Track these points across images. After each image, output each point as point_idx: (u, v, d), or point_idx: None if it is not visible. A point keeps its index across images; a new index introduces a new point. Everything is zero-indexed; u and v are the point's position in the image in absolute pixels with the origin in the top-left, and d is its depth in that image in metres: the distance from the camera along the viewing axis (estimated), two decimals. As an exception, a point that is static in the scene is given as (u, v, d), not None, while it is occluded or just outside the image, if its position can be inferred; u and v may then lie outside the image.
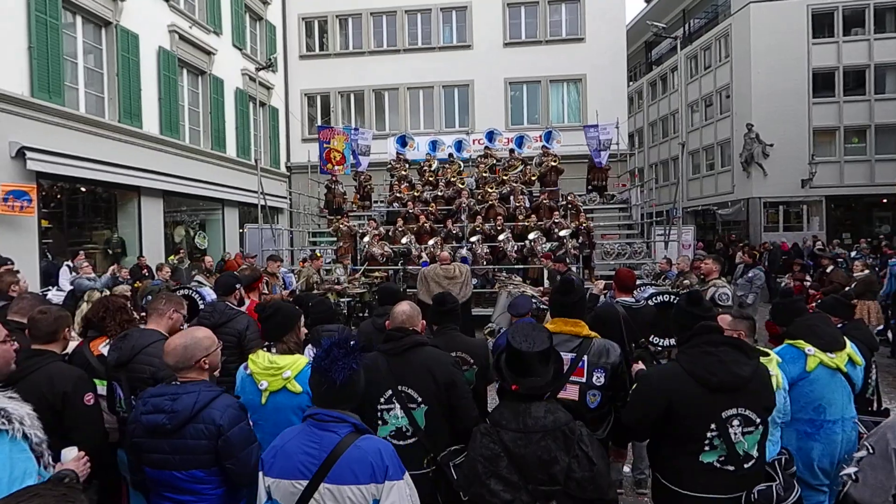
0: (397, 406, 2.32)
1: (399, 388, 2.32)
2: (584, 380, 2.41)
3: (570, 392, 2.40)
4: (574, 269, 9.07)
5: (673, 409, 2.10)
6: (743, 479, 2.05)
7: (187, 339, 2.11)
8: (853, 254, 14.23)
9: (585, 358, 2.43)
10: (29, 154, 9.06)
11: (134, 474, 2.04)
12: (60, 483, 1.12)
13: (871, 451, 1.84)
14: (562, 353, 2.43)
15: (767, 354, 2.63)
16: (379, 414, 2.33)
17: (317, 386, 1.77)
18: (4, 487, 1.53)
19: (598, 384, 2.40)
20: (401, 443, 2.29)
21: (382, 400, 2.32)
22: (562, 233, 10.21)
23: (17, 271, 5.25)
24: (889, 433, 1.81)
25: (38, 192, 9.37)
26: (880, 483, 1.75)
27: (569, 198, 11.92)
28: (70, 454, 1.93)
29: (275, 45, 18.51)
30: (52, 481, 1.15)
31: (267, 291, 6.74)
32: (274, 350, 2.46)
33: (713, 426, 2.04)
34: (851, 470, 1.90)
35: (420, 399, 2.32)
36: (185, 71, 14.02)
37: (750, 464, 2.06)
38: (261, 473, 1.74)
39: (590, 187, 14.15)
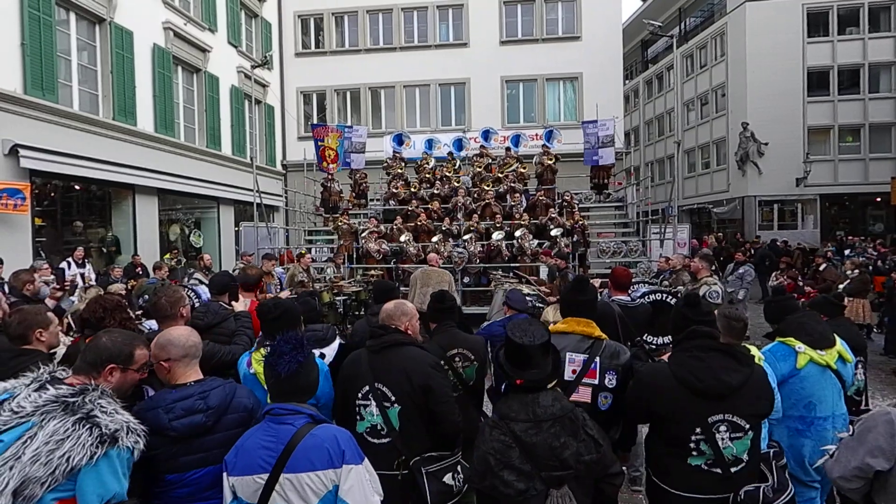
0: (373, 403, 2.32)
1: (376, 384, 2.33)
2: (596, 381, 2.36)
3: (583, 394, 2.35)
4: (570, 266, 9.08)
5: (656, 409, 2.11)
6: (732, 481, 2.05)
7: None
8: (847, 252, 14.32)
9: (598, 359, 2.38)
10: (22, 152, 8.99)
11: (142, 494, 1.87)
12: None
13: (852, 434, 1.93)
14: (575, 355, 2.39)
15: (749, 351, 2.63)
16: (357, 409, 2.35)
17: (266, 379, 1.86)
18: None
19: (611, 386, 2.36)
20: (375, 441, 2.31)
21: (360, 395, 2.34)
22: (553, 232, 10.22)
23: (40, 270, 5.17)
24: (869, 421, 1.89)
25: (32, 191, 9.31)
26: (846, 460, 1.86)
27: (565, 196, 11.93)
28: None
29: (270, 42, 18.43)
30: None
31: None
32: None
33: (698, 430, 2.04)
34: (831, 448, 2.01)
35: (394, 398, 2.32)
36: (179, 68, 13.93)
37: (739, 467, 2.06)
38: (224, 474, 1.75)
39: (591, 185, 14.05)
